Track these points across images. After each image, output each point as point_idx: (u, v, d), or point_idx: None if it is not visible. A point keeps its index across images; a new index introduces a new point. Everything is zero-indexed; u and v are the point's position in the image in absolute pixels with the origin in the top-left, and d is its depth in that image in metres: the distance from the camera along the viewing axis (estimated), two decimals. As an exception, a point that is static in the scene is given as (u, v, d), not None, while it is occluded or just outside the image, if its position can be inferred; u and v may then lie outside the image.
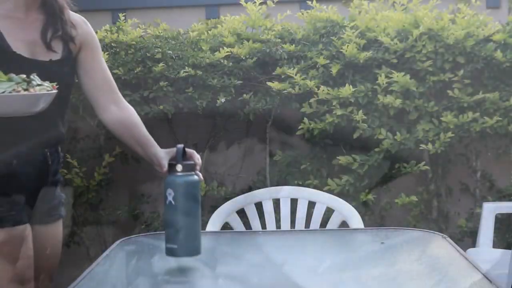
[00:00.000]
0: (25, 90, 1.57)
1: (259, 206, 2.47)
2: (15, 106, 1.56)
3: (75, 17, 1.99)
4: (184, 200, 1.54)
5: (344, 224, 2.37)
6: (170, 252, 1.56)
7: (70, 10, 1.95)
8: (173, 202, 1.54)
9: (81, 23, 2.01)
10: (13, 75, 1.59)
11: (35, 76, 1.63)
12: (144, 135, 1.98)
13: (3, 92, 1.53)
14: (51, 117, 1.79)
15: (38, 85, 1.60)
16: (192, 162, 1.58)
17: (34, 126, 1.75)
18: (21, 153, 1.77)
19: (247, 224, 2.46)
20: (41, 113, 1.66)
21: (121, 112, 1.99)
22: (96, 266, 1.62)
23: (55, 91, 1.61)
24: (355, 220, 2.34)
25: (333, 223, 2.38)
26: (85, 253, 3.52)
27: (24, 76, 1.59)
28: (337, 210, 2.39)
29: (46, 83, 1.62)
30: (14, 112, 1.56)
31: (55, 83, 1.69)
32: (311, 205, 2.46)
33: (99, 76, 1.95)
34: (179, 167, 1.55)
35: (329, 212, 2.43)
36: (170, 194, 1.54)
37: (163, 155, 1.82)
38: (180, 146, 1.57)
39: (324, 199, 2.45)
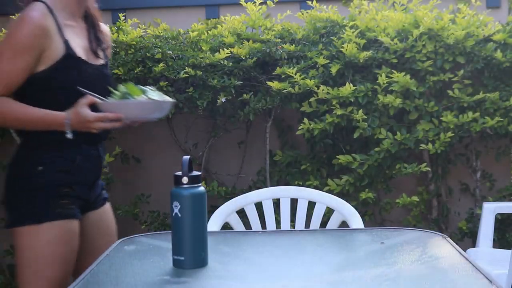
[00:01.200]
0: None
1: (259, 206, 2.47)
2: (165, 111, 1.85)
3: (103, 26, 2.22)
4: (190, 212, 1.55)
5: (344, 224, 2.37)
6: (177, 264, 1.58)
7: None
8: (179, 215, 1.55)
9: (108, 32, 2.25)
10: (143, 87, 1.85)
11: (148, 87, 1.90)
12: None
13: (162, 99, 1.82)
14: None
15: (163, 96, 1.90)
16: (199, 173, 1.59)
17: None
18: (83, 150, 2.00)
19: (247, 224, 2.46)
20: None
21: None
22: (96, 266, 1.62)
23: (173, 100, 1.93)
24: (355, 220, 2.34)
25: (333, 223, 2.38)
26: (85, 253, 3.52)
27: (151, 87, 1.86)
28: (337, 210, 2.39)
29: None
30: (158, 117, 1.85)
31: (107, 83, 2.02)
32: (311, 205, 2.46)
33: None
34: (185, 180, 1.55)
35: (329, 213, 2.43)
36: (177, 207, 1.55)
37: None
38: (186, 157, 1.57)
39: (324, 199, 2.45)
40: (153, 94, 1.83)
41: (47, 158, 1.94)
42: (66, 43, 1.94)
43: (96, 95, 1.89)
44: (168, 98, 1.90)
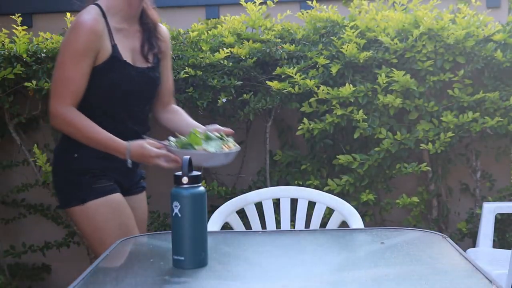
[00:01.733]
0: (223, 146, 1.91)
1: (259, 206, 2.47)
2: (222, 161, 1.86)
3: (162, 29, 2.32)
4: (190, 213, 1.55)
5: (344, 224, 2.37)
6: (177, 264, 1.58)
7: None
8: (179, 215, 1.55)
9: (167, 35, 2.34)
10: (210, 134, 1.90)
11: (214, 133, 1.97)
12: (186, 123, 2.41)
13: (217, 151, 1.83)
14: (143, 115, 2.25)
15: (228, 140, 1.92)
16: (199, 173, 1.59)
17: (133, 123, 2.19)
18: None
19: (247, 224, 2.46)
20: (139, 112, 2.20)
21: (168, 115, 2.42)
22: (96, 266, 1.62)
23: (239, 148, 1.94)
24: (355, 220, 2.34)
25: (333, 223, 2.38)
26: (85, 253, 3.52)
27: (218, 134, 1.91)
28: (337, 210, 2.39)
29: (230, 139, 1.95)
30: (217, 165, 1.88)
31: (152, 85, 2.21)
32: (311, 205, 2.46)
33: (168, 83, 2.36)
34: (185, 180, 1.56)
35: (329, 214, 2.43)
36: (177, 207, 1.55)
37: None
38: (186, 157, 1.57)
39: (324, 199, 2.44)
40: (215, 144, 1.84)
41: (82, 146, 2.11)
42: (114, 47, 2.08)
43: (161, 142, 2.01)
44: (230, 146, 1.87)
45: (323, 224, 2.41)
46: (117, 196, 2.16)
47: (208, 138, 1.87)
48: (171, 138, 1.91)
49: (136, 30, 2.20)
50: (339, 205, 2.39)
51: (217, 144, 1.85)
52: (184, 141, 1.85)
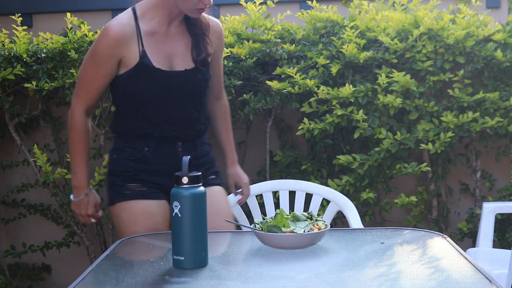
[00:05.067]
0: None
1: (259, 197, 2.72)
2: (312, 242, 1.77)
3: (213, 24, 2.21)
4: (190, 212, 1.55)
5: (339, 214, 2.40)
6: (177, 264, 1.58)
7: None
8: (179, 214, 1.55)
9: (219, 33, 2.24)
10: (297, 214, 1.82)
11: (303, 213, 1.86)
12: (221, 135, 2.40)
13: (306, 231, 1.75)
14: (188, 119, 2.16)
15: (317, 220, 1.83)
16: (199, 174, 1.59)
17: (172, 128, 2.14)
18: (153, 143, 2.14)
19: (248, 213, 2.65)
20: (181, 117, 2.13)
21: (218, 108, 2.36)
22: (96, 266, 1.62)
23: (329, 227, 1.83)
24: (350, 209, 2.40)
25: (329, 213, 2.54)
26: (85, 253, 3.52)
27: (306, 213, 1.84)
28: (333, 201, 2.50)
29: (320, 219, 1.85)
30: (307, 245, 1.77)
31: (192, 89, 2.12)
32: (309, 198, 2.63)
33: (218, 79, 2.31)
34: (185, 180, 1.56)
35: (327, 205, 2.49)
36: (177, 207, 1.55)
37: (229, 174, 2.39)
38: (186, 157, 1.57)
39: (320, 191, 2.60)
40: (303, 225, 1.77)
41: (121, 147, 2.17)
42: (143, 52, 2.04)
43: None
44: (320, 227, 1.80)
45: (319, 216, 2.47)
46: (143, 202, 2.14)
47: (295, 219, 1.81)
48: (256, 220, 1.86)
49: (176, 33, 2.13)
50: (335, 196, 2.56)
51: (305, 225, 1.77)
52: (270, 223, 1.78)
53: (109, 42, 2.03)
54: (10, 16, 3.31)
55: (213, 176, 2.30)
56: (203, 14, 2.13)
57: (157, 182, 2.15)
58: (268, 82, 3.15)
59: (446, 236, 1.84)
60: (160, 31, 2.09)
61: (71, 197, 2.20)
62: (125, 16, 2.07)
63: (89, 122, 2.18)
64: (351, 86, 3.12)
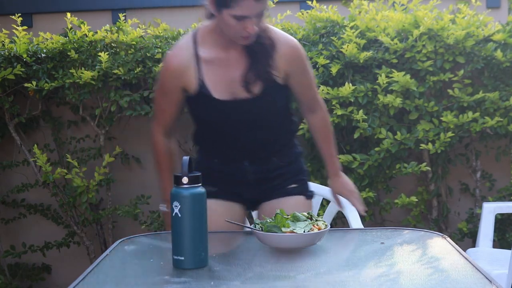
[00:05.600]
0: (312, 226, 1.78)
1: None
2: (312, 242, 1.75)
3: (282, 44, 2.04)
4: (190, 212, 1.55)
5: (339, 214, 2.38)
6: (177, 264, 1.58)
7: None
8: (179, 214, 1.55)
9: (288, 52, 2.05)
10: (298, 214, 1.79)
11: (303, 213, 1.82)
12: (320, 146, 2.29)
13: (306, 231, 1.73)
14: (257, 142, 2.12)
15: (317, 220, 1.80)
16: (199, 174, 1.59)
17: (240, 151, 2.12)
18: (215, 164, 2.16)
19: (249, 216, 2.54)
20: (247, 141, 2.09)
21: (312, 120, 2.25)
22: (96, 266, 1.62)
23: (329, 228, 1.80)
24: (350, 209, 2.40)
25: (329, 213, 2.49)
26: (85, 253, 3.52)
27: (306, 213, 1.81)
28: (332, 201, 2.46)
29: (320, 219, 1.82)
30: (307, 245, 1.76)
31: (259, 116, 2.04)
32: None
33: (306, 96, 2.16)
34: (185, 180, 1.56)
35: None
36: (177, 207, 1.55)
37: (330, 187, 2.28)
38: (186, 157, 1.57)
39: (320, 191, 2.53)
40: (303, 225, 1.76)
41: (197, 153, 2.24)
42: (201, 81, 1.99)
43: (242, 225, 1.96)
44: (320, 227, 1.79)
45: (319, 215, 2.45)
46: (211, 201, 2.14)
47: (295, 219, 1.80)
48: (256, 220, 1.85)
49: (238, 57, 2.01)
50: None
51: (305, 225, 1.76)
52: (270, 223, 1.77)
53: (169, 74, 2.03)
54: (10, 16, 3.31)
55: (293, 185, 2.21)
56: (273, 34, 2.02)
57: (229, 189, 2.16)
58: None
59: (446, 236, 1.84)
60: (219, 56, 2.01)
61: (164, 208, 2.22)
62: (185, 43, 2.04)
63: (171, 143, 2.18)
64: (350, 85, 3.12)
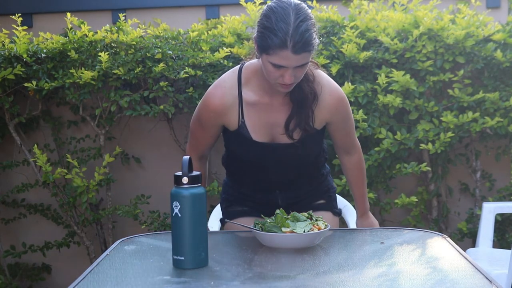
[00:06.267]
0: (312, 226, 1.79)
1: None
2: (312, 242, 1.76)
3: (325, 95, 2.03)
4: (190, 212, 1.55)
5: (341, 220, 2.37)
6: (177, 264, 1.58)
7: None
8: (179, 214, 1.55)
9: (331, 103, 2.04)
10: (297, 214, 1.80)
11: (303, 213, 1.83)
12: (351, 186, 2.28)
13: (306, 231, 1.74)
14: (287, 179, 2.13)
15: (317, 220, 1.81)
16: (198, 173, 1.59)
17: (273, 187, 2.15)
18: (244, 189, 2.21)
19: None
20: (278, 179, 2.11)
21: (347, 162, 2.24)
22: (96, 266, 1.63)
23: (329, 227, 1.82)
24: (350, 213, 2.39)
25: None
26: (85, 253, 3.52)
27: (306, 213, 1.82)
28: None
29: (320, 219, 1.83)
30: (307, 245, 1.76)
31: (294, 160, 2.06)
32: None
33: (343, 141, 2.17)
34: (185, 180, 1.56)
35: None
36: (177, 207, 1.55)
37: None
38: (186, 157, 1.57)
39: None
40: (303, 225, 1.77)
41: (226, 178, 2.29)
42: (242, 123, 2.00)
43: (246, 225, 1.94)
44: (320, 227, 1.79)
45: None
46: (241, 219, 2.17)
47: (295, 219, 1.80)
48: (256, 220, 1.85)
49: (281, 103, 2.01)
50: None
51: (305, 225, 1.77)
52: (270, 223, 1.78)
53: (210, 112, 2.01)
54: (10, 16, 3.31)
55: (321, 201, 2.24)
56: (319, 83, 2.01)
57: (259, 208, 2.14)
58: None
59: (446, 236, 1.84)
60: (262, 100, 2.01)
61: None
62: (229, 82, 2.02)
63: (203, 165, 2.20)
64: (349, 83, 3.12)
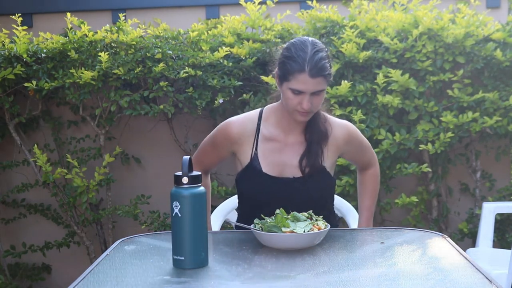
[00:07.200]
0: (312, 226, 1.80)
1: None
2: (312, 242, 1.76)
3: (337, 131, 2.16)
4: (190, 212, 1.55)
5: (342, 220, 2.37)
6: (177, 264, 1.58)
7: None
8: (179, 214, 1.55)
9: (343, 137, 2.17)
10: (297, 214, 1.82)
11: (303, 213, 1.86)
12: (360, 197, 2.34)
13: (306, 231, 1.74)
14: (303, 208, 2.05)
15: (317, 220, 1.83)
16: (199, 173, 1.59)
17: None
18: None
19: None
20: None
21: (361, 174, 2.34)
22: (96, 266, 1.63)
23: (329, 227, 1.83)
24: (353, 217, 2.37)
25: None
26: (85, 253, 3.52)
27: (306, 213, 1.84)
28: (335, 206, 2.42)
29: (320, 219, 1.85)
30: (307, 245, 1.76)
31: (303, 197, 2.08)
32: None
33: (360, 162, 2.30)
34: (185, 180, 1.56)
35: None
36: (177, 207, 1.55)
37: None
38: (186, 157, 1.57)
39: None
40: (303, 225, 1.77)
41: (239, 208, 2.28)
42: (254, 155, 2.10)
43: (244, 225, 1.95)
44: (320, 227, 1.79)
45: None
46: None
47: (295, 219, 1.80)
48: (256, 220, 1.86)
49: (296, 142, 2.12)
50: (337, 202, 2.43)
51: (305, 225, 1.77)
52: (270, 223, 1.79)
53: (226, 136, 2.13)
54: (10, 16, 3.31)
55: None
56: (329, 121, 2.14)
57: None
58: (264, 78, 3.13)
59: (446, 236, 1.84)
60: (278, 138, 2.12)
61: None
62: (252, 115, 2.16)
63: (207, 178, 2.28)
64: (346, 81, 3.12)
